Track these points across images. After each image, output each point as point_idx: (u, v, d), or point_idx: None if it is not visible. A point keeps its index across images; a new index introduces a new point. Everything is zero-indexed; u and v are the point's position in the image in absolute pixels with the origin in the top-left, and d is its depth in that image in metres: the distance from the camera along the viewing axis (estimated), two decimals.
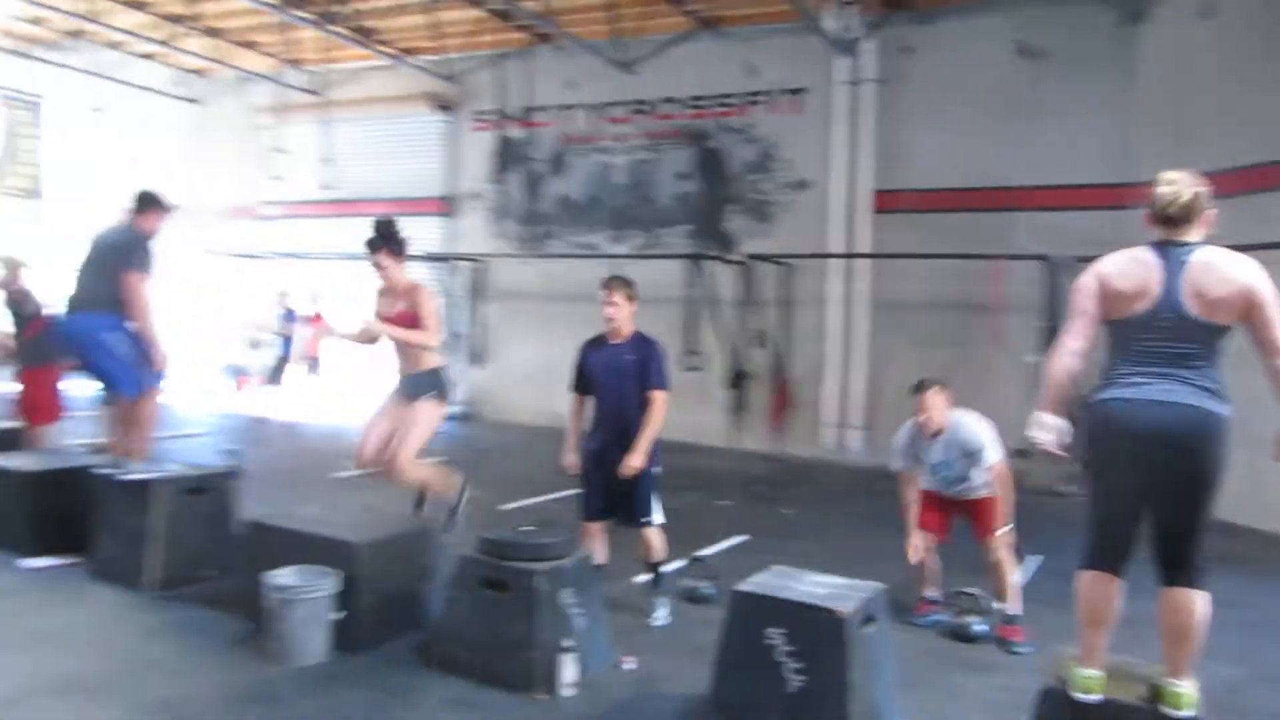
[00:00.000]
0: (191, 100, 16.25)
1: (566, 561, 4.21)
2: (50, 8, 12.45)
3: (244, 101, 15.86)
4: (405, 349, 5.37)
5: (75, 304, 5.53)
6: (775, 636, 3.45)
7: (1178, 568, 2.89)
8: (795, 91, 11.82)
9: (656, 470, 4.90)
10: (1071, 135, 10.14)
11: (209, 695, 3.88)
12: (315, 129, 15.19)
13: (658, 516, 4.90)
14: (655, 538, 4.90)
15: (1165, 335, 2.88)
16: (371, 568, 4.41)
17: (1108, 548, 3.00)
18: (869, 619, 3.53)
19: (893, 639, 3.79)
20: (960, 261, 10.21)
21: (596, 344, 4.97)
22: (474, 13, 12.30)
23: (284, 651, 4.19)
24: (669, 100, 12.64)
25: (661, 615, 4.91)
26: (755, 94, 12.08)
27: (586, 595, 4.26)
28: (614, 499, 4.85)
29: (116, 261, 5.53)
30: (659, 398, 4.81)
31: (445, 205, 14.30)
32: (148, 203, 5.72)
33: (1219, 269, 2.84)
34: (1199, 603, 2.87)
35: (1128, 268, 2.97)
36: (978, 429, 4.85)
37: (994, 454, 4.80)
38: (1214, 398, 2.85)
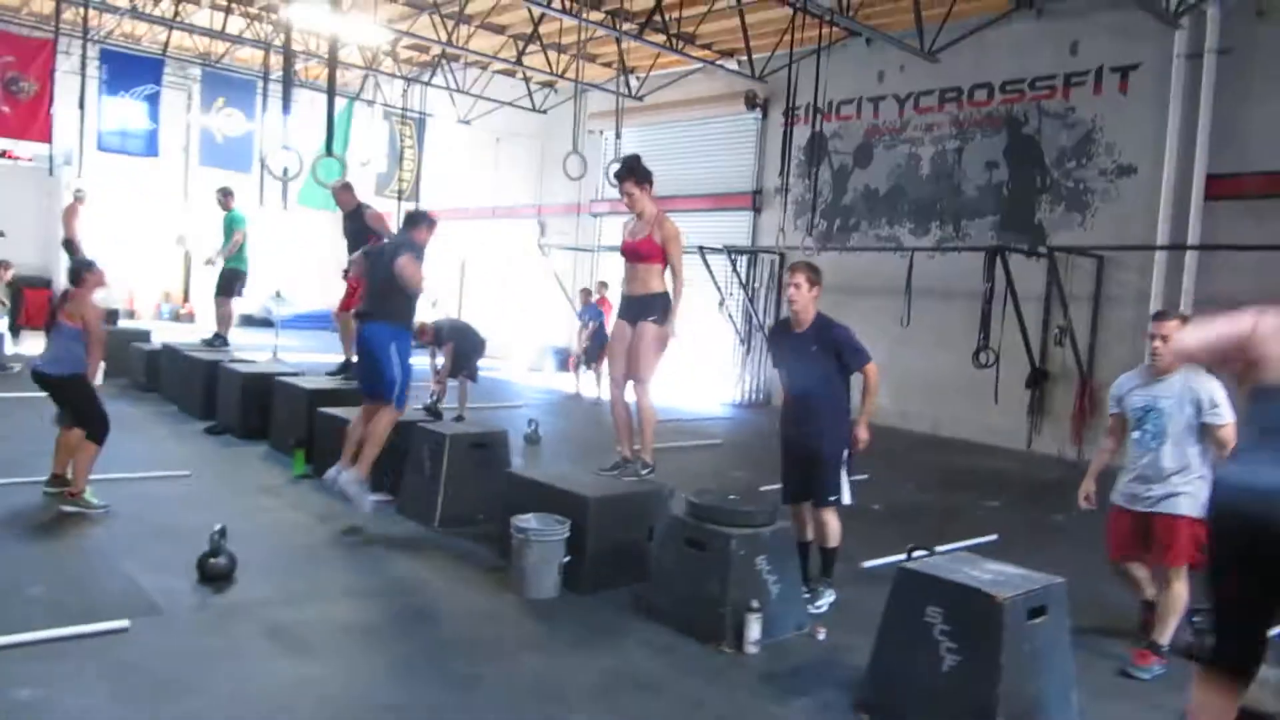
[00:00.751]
0: (539, 110, 18.09)
1: (765, 530, 4.49)
2: (422, 38, 14.56)
3: (582, 109, 17.41)
4: (634, 271, 5.59)
5: (368, 313, 6.25)
6: (934, 615, 3.51)
7: None
8: (1123, 69, 10.90)
9: (846, 451, 4.91)
10: None
11: (452, 609, 4.67)
12: (640, 131, 16.37)
13: (845, 497, 4.92)
14: (833, 521, 4.92)
15: None
16: (599, 520, 4.98)
17: (1226, 644, 2.72)
18: (1037, 611, 3.47)
19: (1068, 637, 3.66)
20: None
21: (784, 329, 5.09)
22: (782, 11, 12.63)
23: (521, 584, 4.88)
24: (981, 86, 12.17)
25: (825, 602, 4.88)
26: (1077, 74, 11.29)
27: (781, 564, 4.52)
28: (805, 479, 4.97)
29: (395, 264, 6.13)
30: (871, 370, 4.83)
31: (753, 200, 14.81)
32: (418, 219, 6.57)
33: None
34: None
35: None
36: (1213, 382, 4.27)
37: (1227, 413, 4.21)
38: None
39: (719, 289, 14.25)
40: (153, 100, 14.72)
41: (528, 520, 4.97)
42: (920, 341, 12.25)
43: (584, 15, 12.49)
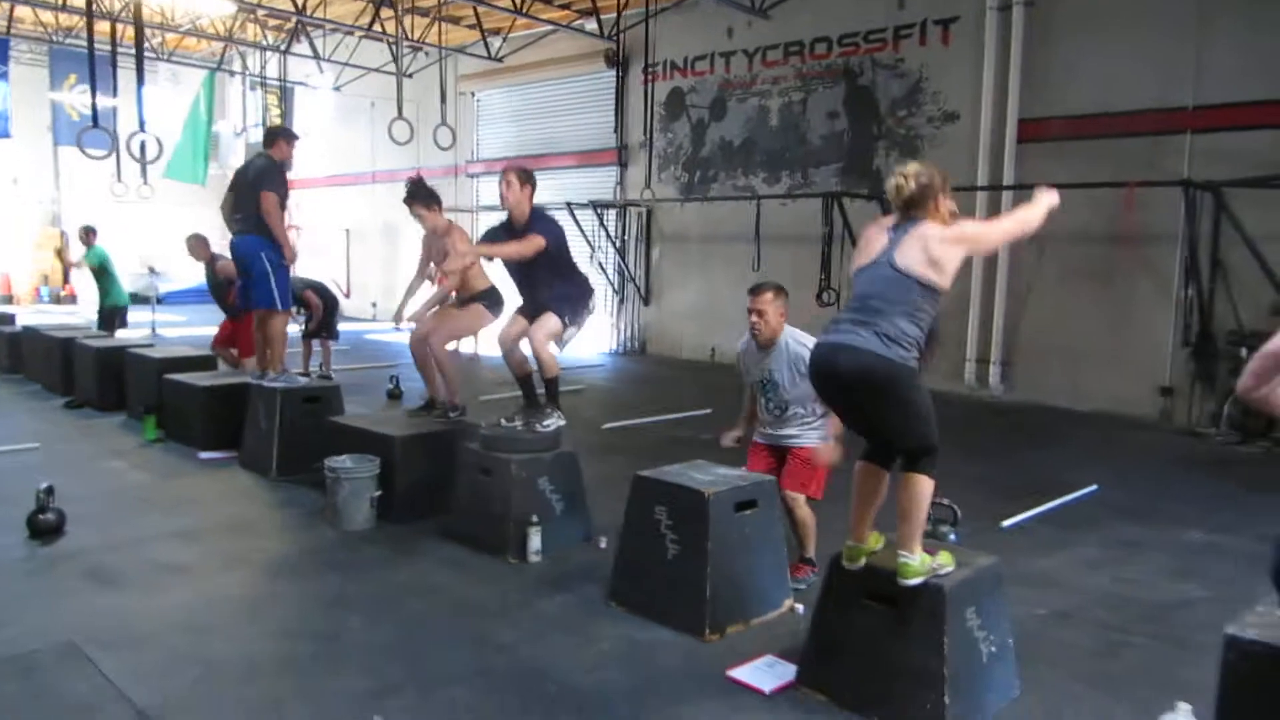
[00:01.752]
0: (406, 75, 18.10)
1: (545, 455, 5.04)
2: (275, 10, 14.49)
3: (450, 72, 17.54)
4: (464, 277, 6.08)
5: (239, 228, 6.70)
6: (660, 513, 4.09)
7: (902, 456, 3.22)
8: (944, 21, 11.61)
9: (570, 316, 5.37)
10: (1244, 50, 9.31)
11: (272, 546, 5.13)
12: (505, 92, 16.63)
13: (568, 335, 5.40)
14: (546, 357, 5.30)
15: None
16: (405, 457, 5.47)
17: (869, 446, 3.35)
18: (746, 504, 4.07)
19: (781, 528, 4.29)
20: (1107, 191, 9.75)
21: (505, 226, 5.44)
22: None
23: (337, 519, 5.34)
24: (821, 40, 12.78)
25: (552, 423, 5.28)
26: (904, 27, 11.97)
27: (564, 484, 5.07)
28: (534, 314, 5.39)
29: (257, 186, 6.58)
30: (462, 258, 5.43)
31: (618, 155, 15.25)
32: (277, 134, 6.82)
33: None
34: (915, 485, 3.15)
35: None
36: (809, 346, 4.23)
37: None
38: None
39: (589, 243, 14.72)
40: (2, 79, 14.40)
41: (341, 460, 5.43)
42: None
43: None
